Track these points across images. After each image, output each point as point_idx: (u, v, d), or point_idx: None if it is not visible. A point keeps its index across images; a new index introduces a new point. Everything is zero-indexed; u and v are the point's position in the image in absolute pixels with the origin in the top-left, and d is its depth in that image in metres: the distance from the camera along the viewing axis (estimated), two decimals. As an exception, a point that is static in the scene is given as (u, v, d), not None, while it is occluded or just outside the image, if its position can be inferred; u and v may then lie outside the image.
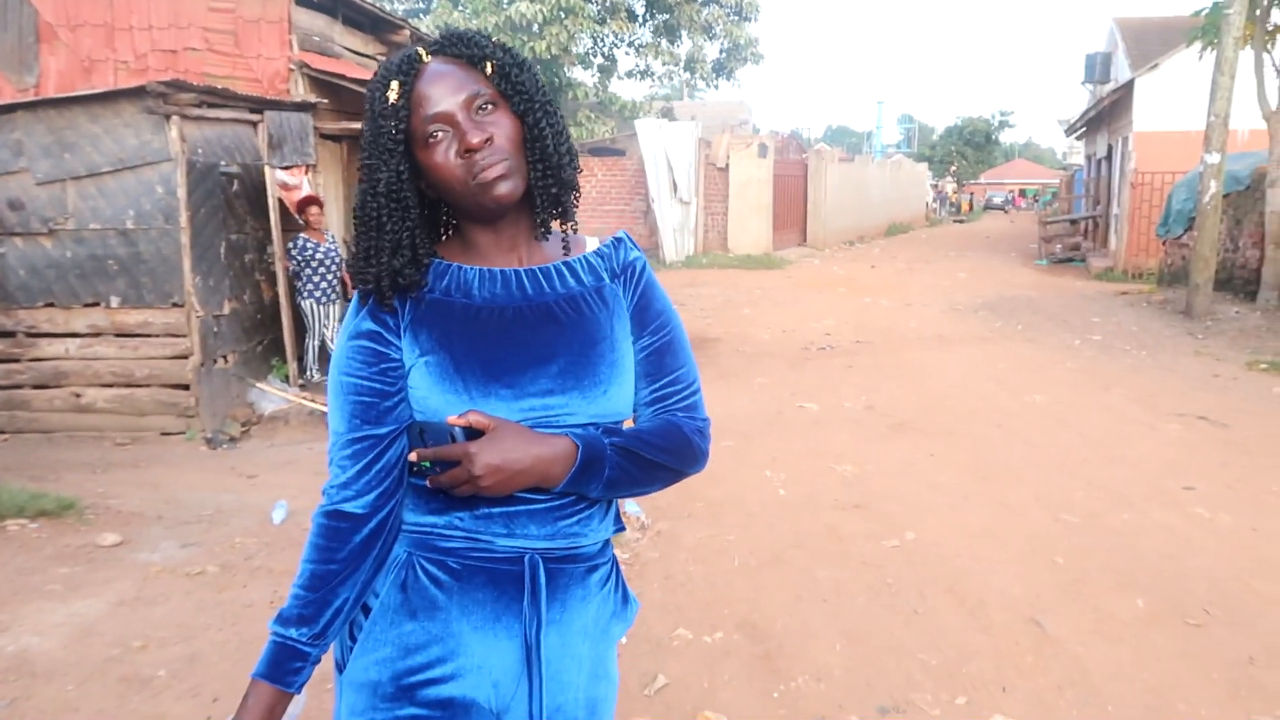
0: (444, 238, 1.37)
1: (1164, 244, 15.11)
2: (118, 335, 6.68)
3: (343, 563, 1.23)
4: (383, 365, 1.26)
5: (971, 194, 54.02)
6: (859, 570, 4.09)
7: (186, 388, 6.66)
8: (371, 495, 1.24)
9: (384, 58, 10.32)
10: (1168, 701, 3.04)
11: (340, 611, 1.24)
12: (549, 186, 1.29)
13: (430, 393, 1.24)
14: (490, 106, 1.25)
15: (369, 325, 1.27)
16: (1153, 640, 3.45)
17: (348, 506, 1.24)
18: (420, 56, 1.26)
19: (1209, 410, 6.95)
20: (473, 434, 1.21)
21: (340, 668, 1.31)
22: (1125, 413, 6.98)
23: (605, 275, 1.37)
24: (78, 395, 6.72)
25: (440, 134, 1.23)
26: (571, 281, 1.34)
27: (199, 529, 4.69)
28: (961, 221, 42.79)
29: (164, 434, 6.71)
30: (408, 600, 1.27)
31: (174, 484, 5.60)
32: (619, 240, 1.42)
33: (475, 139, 1.21)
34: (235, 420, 6.89)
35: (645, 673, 3.19)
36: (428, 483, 1.25)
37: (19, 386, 6.74)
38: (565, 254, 1.35)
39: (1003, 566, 4.12)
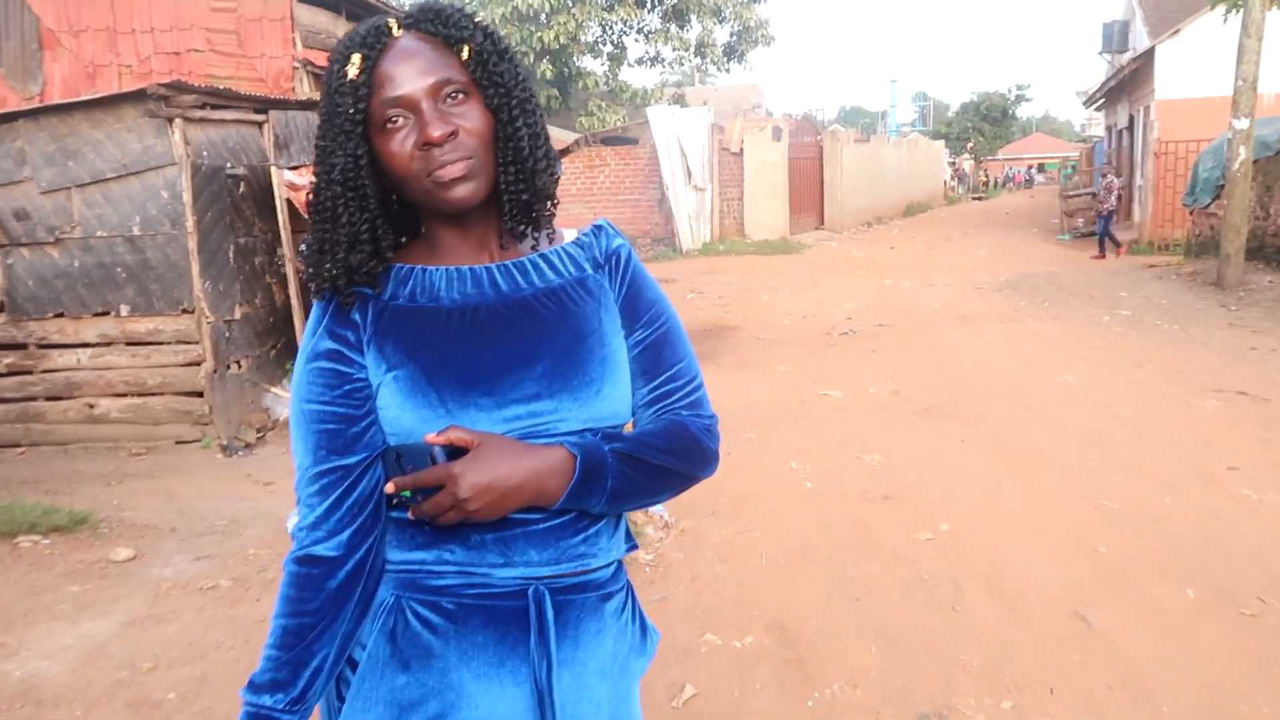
0: (419, 233, 1.23)
1: (1191, 214, 14.78)
2: (129, 344, 6.60)
3: (317, 614, 1.09)
4: (346, 387, 1.12)
5: (987, 170, 53.37)
6: (891, 565, 3.94)
7: (200, 395, 6.58)
8: (345, 534, 1.11)
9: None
10: (1225, 699, 2.88)
11: (320, 670, 1.10)
12: (520, 193, 1.15)
13: (402, 411, 1.10)
14: (460, 96, 1.11)
15: (327, 344, 1.13)
16: (1205, 632, 3.28)
17: (319, 549, 1.10)
18: (390, 29, 1.11)
19: (1247, 384, 6.72)
20: (456, 453, 1.08)
21: None
22: (1159, 390, 6.76)
23: (587, 265, 1.23)
24: (91, 406, 6.65)
25: (400, 120, 1.09)
26: (550, 274, 1.20)
27: (213, 541, 4.60)
28: (980, 199, 42.27)
29: (179, 442, 6.63)
30: (398, 650, 1.13)
31: (189, 493, 5.52)
32: (599, 228, 1.28)
33: (436, 132, 1.07)
34: (250, 426, 6.81)
35: (673, 682, 3.06)
36: (409, 514, 1.11)
37: (32, 399, 6.67)
38: (535, 248, 1.21)
39: (1041, 557, 3.95)
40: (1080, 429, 5.83)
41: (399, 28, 1.12)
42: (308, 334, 1.17)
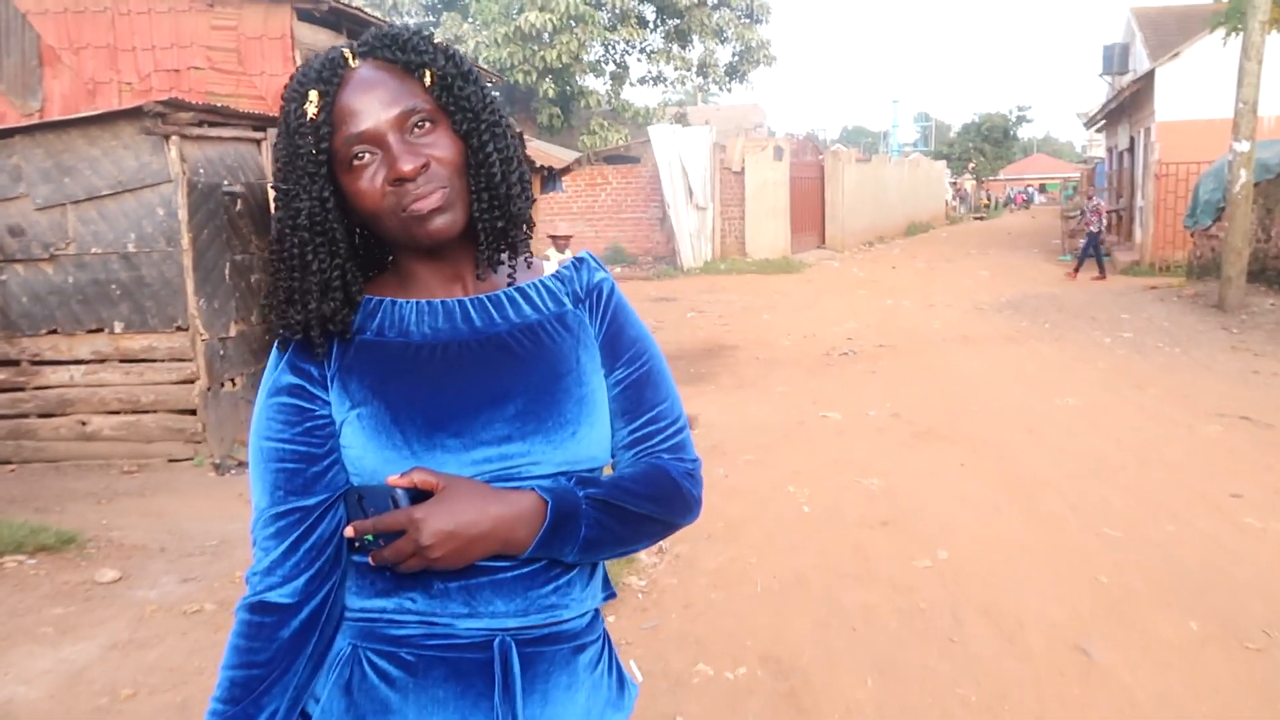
0: (387, 265, 1.18)
1: (1192, 236, 14.75)
2: (122, 361, 6.55)
3: (268, 666, 1.03)
4: (307, 424, 1.06)
5: (988, 190, 53.49)
6: (888, 594, 3.87)
7: (193, 413, 6.52)
8: (301, 580, 1.04)
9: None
10: (1229, 737, 2.81)
11: None
12: (494, 220, 1.09)
13: (365, 451, 1.05)
14: (428, 124, 1.05)
15: (289, 379, 1.08)
16: (1208, 666, 3.20)
17: (273, 596, 1.04)
18: (346, 60, 1.06)
19: (1250, 409, 6.66)
20: (420, 496, 1.02)
21: None
22: (1161, 414, 6.70)
23: (567, 300, 1.18)
24: (84, 423, 6.60)
25: (366, 156, 1.03)
26: (527, 309, 1.15)
27: (201, 562, 4.53)
28: (982, 219, 42.32)
29: (171, 460, 6.57)
30: (354, 705, 1.06)
31: (179, 513, 5.45)
32: (581, 260, 1.22)
33: (407, 166, 1.02)
34: (243, 445, 6.74)
35: (663, 714, 2.98)
36: (370, 559, 1.05)
37: (24, 416, 6.62)
38: (511, 281, 1.16)
39: (1041, 586, 3.88)
40: (1081, 453, 5.77)
41: (355, 57, 1.06)
42: (269, 368, 1.11)
